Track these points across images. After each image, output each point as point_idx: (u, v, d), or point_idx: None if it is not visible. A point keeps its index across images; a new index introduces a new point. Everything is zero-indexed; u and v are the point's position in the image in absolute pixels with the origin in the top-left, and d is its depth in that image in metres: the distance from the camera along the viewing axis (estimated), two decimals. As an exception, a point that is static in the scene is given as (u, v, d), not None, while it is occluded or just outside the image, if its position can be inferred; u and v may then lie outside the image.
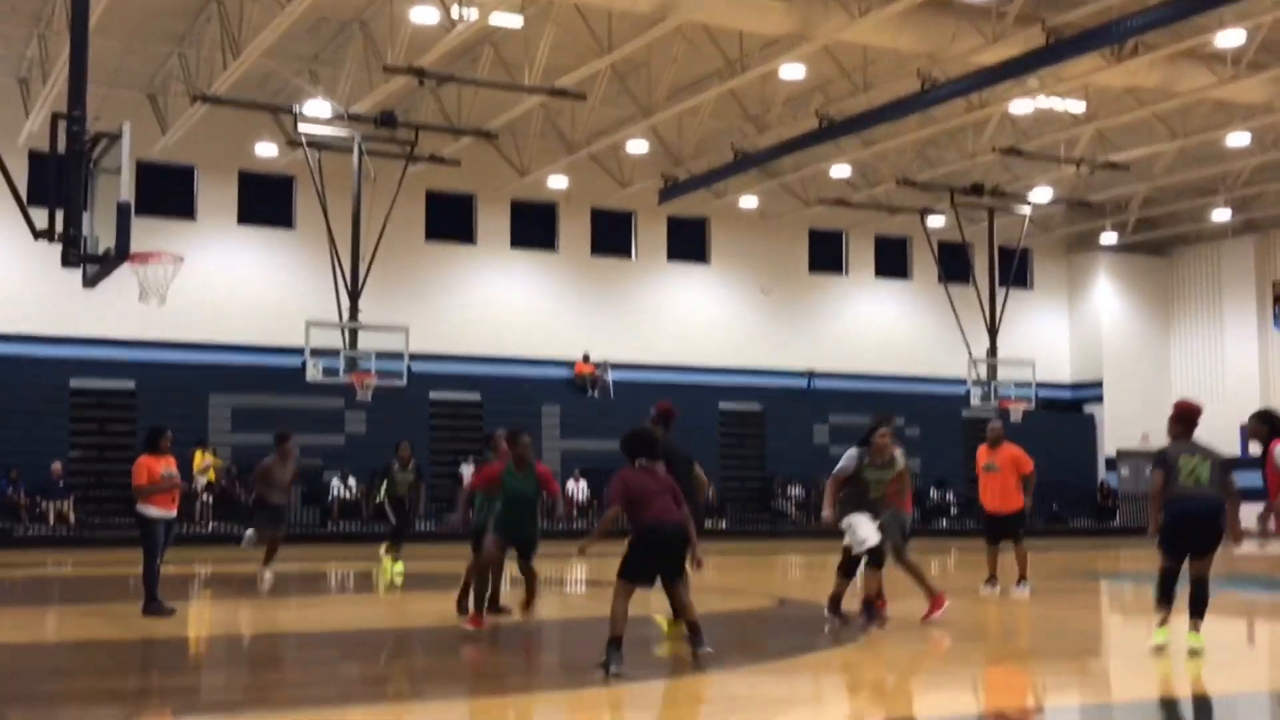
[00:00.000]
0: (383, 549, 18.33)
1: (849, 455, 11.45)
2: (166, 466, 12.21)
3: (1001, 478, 15.04)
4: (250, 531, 17.17)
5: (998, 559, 15.30)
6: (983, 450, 15.28)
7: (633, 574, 8.80)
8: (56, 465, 27.31)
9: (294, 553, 24.21)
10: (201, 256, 28.78)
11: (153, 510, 12.14)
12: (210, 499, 28.24)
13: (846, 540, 11.42)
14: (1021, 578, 15.10)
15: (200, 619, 13.46)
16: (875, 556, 11.38)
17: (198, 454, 27.88)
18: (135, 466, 12.16)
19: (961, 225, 34.11)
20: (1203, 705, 8.59)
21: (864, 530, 11.26)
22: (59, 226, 11.25)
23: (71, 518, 27.06)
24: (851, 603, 11.70)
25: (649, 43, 23.66)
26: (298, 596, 16.19)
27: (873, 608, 11.45)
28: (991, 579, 15.11)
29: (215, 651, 11.18)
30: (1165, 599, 10.05)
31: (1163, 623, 9.94)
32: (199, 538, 26.36)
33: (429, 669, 9.80)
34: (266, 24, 22.35)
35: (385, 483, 17.90)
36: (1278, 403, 37.76)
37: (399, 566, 17.88)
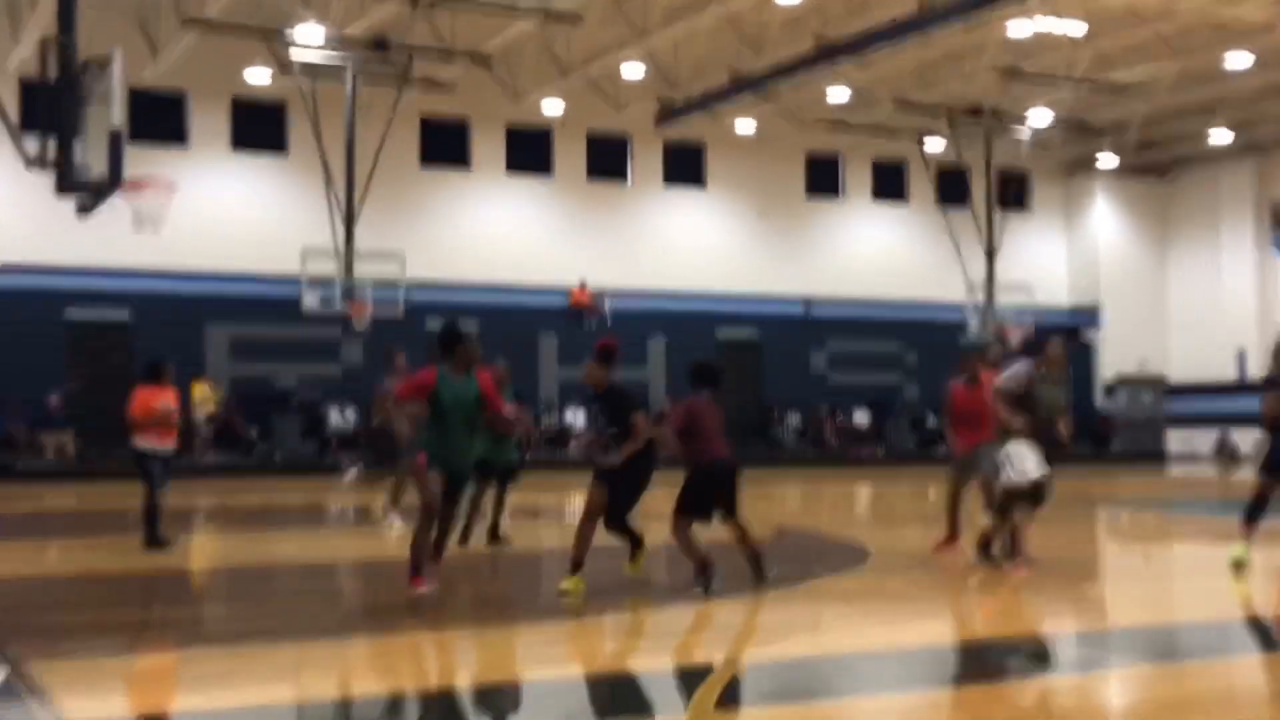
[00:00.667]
0: None
1: (1019, 368, 10.22)
2: (163, 400, 12.08)
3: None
4: (355, 468, 16.36)
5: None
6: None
7: (691, 507, 9.28)
8: (54, 397, 27.26)
9: (291, 484, 24.31)
10: (195, 184, 28.54)
11: (143, 443, 12.08)
12: (210, 432, 28.23)
13: (1006, 473, 10.01)
14: None
15: (201, 552, 13.51)
16: (1038, 493, 10.11)
17: (195, 386, 27.83)
18: (131, 398, 12.09)
19: (959, 148, 33.87)
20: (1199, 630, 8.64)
21: (1028, 461, 9.97)
22: (51, 154, 11.15)
23: (70, 450, 27.06)
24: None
25: (644, -35, 23.35)
26: (297, 529, 16.26)
27: (1009, 546, 10.32)
28: None
29: (216, 584, 11.23)
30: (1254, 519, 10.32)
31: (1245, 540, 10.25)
32: (199, 469, 26.40)
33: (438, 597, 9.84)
34: (256, -53, 22.04)
35: None
36: (1274, 327, 37.75)
37: None
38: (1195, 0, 25.19)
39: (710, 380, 9.58)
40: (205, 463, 27.35)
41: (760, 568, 9.44)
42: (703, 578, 9.12)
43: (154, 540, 12.02)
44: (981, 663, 7.56)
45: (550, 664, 7.35)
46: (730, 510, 9.39)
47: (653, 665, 7.24)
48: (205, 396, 28.02)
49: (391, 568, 11.74)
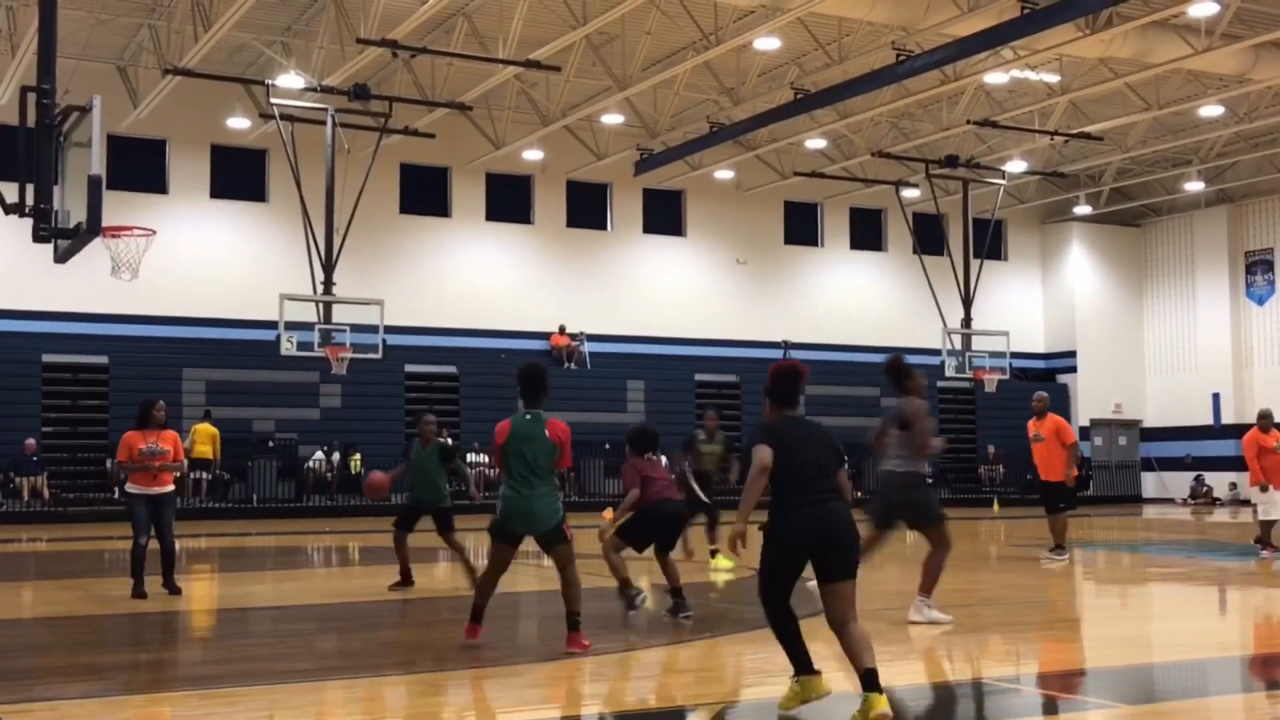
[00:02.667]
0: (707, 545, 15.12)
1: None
2: (149, 442, 11.88)
3: (1046, 447, 15.68)
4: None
5: (1060, 527, 15.79)
6: (1031, 423, 15.92)
7: (630, 537, 10.33)
8: (30, 441, 27.17)
9: (270, 525, 24.21)
10: (174, 230, 28.60)
11: (131, 486, 11.94)
12: (211, 474, 28.07)
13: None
14: (1057, 546, 15.64)
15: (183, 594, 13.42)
16: None
17: (199, 429, 27.83)
18: (120, 442, 12.00)
19: (936, 197, 34.18)
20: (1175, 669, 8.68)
21: None
22: (29, 201, 11.17)
23: (45, 493, 26.94)
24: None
25: (623, 14, 23.56)
26: (273, 570, 16.19)
27: None
28: (1058, 547, 15.66)
29: (192, 626, 11.16)
30: None
31: None
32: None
33: (401, 641, 9.82)
34: (237, -5, 22.15)
35: (689, 457, 14.99)
36: (1249, 374, 38.07)
37: (725, 562, 14.48)
38: (1168, 51, 25.53)
39: (648, 445, 10.49)
40: (181, 506, 27.21)
41: (682, 601, 10.10)
42: (626, 594, 10.13)
43: (140, 591, 11.70)
44: (961, 705, 7.57)
45: (546, 705, 7.34)
46: (666, 548, 10.43)
47: (638, 707, 7.23)
48: (208, 438, 27.92)
49: (366, 609, 11.73)
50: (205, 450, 27.88)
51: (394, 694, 7.67)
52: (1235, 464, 12.76)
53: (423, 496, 12.48)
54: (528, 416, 8.60)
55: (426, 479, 12.41)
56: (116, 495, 24.45)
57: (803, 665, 6.70)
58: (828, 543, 6.51)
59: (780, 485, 6.60)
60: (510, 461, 8.50)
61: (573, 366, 33.33)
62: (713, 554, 14.88)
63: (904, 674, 8.21)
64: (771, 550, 6.62)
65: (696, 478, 14.16)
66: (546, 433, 8.49)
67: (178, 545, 12.36)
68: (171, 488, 12.08)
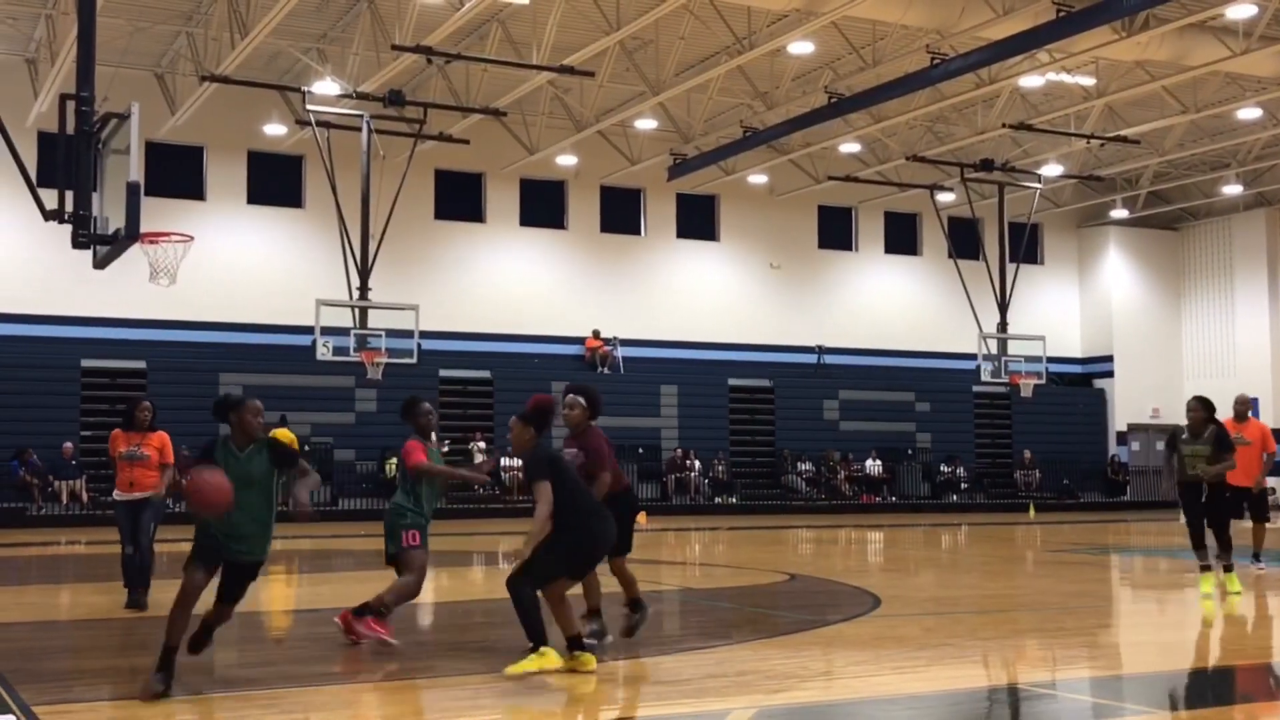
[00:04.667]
0: None
1: None
2: (131, 445, 11.38)
3: (1250, 451, 14.55)
4: None
5: (1259, 534, 15.24)
6: (1229, 423, 14.39)
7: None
8: (68, 445, 27.43)
9: (303, 529, 24.29)
10: (211, 236, 28.82)
11: (115, 492, 11.44)
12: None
13: None
14: (1255, 554, 15.09)
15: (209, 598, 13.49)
16: None
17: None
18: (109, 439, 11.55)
19: (971, 201, 34.03)
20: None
21: None
22: (69, 207, 11.26)
23: (84, 497, 27.18)
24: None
25: (657, 19, 23.58)
26: (309, 574, 16.27)
27: None
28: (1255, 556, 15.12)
29: (228, 628, 11.21)
30: None
31: None
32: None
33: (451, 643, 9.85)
34: (274, 3, 22.30)
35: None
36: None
37: None
38: (1205, 53, 25.33)
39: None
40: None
41: (640, 607, 9.16)
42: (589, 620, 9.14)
43: (132, 602, 11.26)
44: (996, 710, 7.53)
45: (566, 713, 7.35)
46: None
47: (668, 712, 7.23)
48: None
49: (399, 612, 11.75)
50: None
51: (431, 697, 7.68)
52: (1275, 468, 12.48)
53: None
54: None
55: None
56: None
57: (540, 637, 7.82)
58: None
59: (570, 500, 7.94)
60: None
61: (606, 371, 33.36)
62: None
63: (939, 679, 8.18)
64: (571, 556, 7.97)
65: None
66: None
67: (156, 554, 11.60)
68: (152, 492, 11.36)
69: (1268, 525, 15.34)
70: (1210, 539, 12.82)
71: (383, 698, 7.68)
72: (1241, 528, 14.55)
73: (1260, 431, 15.05)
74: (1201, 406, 12.79)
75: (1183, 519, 13.05)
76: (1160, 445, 39.84)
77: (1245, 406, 15.30)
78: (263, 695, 7.43)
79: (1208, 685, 8.39)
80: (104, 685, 7.83)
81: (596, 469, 8.77)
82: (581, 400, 9.03)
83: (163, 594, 11.73)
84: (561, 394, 9.18)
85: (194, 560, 7.61)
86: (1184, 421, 12.83)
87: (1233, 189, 36.80)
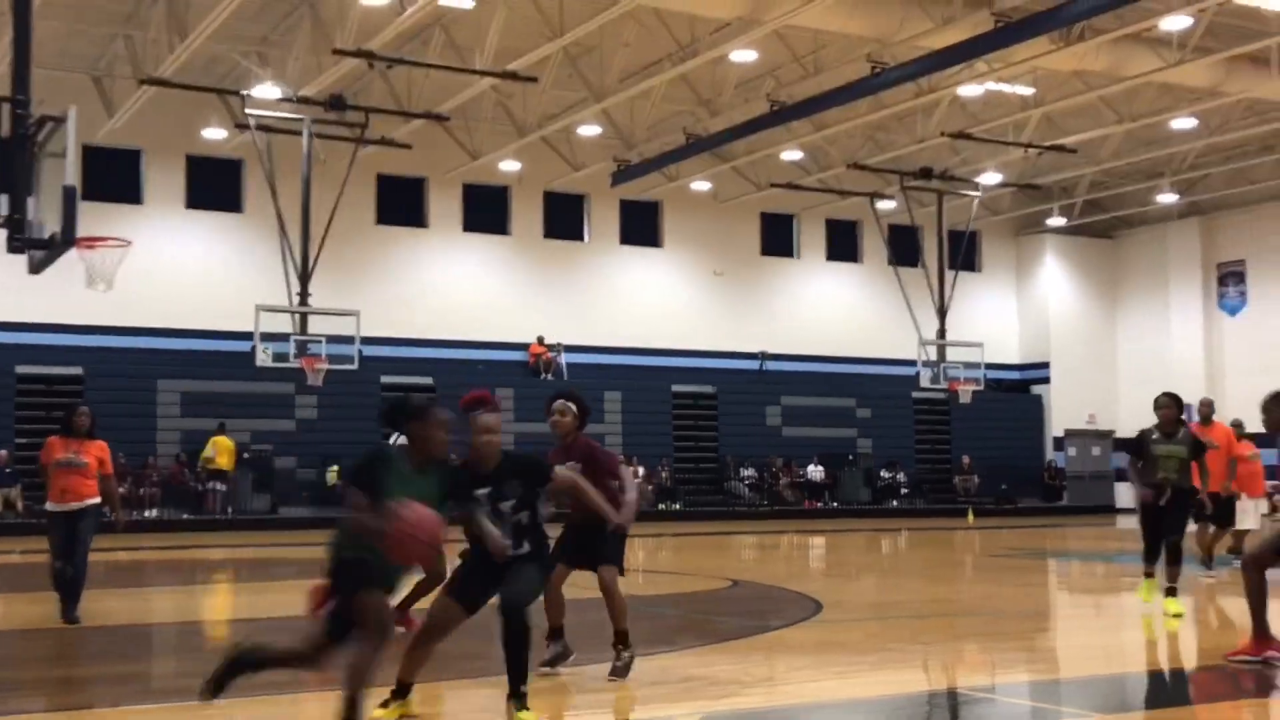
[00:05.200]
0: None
1: None
2: (69, 452, 10.96)
3: (1218, 455, 14.09)
4: None
5: (1211, 540, 15.02)
6: (1195, 427, 13.87)
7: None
8: (2, 453, 27.00)
9: (241, 539, 24.09)
10: (149, 241, 28.46)
11: (48, 502, 11.05)
12: (230, 486, 28.15)
13: None
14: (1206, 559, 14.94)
15: (146, 607, 13.36)
16: None
17: (217, 441, 27.97)
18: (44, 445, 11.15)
19: (911, 209, 34.35)
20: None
21: None
22: (3, 211, 11.11)
23: (19, 505, 26.76)
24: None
25: (601, 26, 23.59)
26: (248, 583, 16.12)
27: None
28: (1207, 559, 14.90)
29: (160, 639, 11.10)
30: None
31: None
32: (153, 524, 26.10)
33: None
34: (214, 5, 22.10)
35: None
36: (1221, 385, 38.30)
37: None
38: (1141, 64, 25.73)
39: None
40: (154, 518, 27.19)
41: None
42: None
43: (66, 616, 10.73)
44: (937, 714, 7.60)
45: None
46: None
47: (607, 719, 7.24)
48: (226, 450, 28.00)
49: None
50: (223, 462, 27.95)
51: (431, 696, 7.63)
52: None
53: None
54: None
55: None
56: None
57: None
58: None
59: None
60: None
61: (550, 377, 33.32)
62: None
63: (881, 684, 8.24)
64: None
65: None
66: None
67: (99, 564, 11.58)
68: (91, 502, 10.92)
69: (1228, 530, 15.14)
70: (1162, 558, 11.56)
71: (326, 709, 7.62)
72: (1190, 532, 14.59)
73: (1226, 435, 14.88)
74: (1173, 403, 11.51)
75: (1137, 523, 11.99)
76: (1096, 451, 40.40)
77: (1210, 409, 14.99)
78: (200, 707, 7.34)
79: (1145, 689, 8.51)
80: (39, 697, 7.71)
81: (604, 476, 8.06)
82: (573, 407, 8.34)
83: (95, 604, 11.62)
84: (548, 400, 8.49)
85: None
86: (1128, 426, 12.67)
87: (1167, 198, 37.41)
